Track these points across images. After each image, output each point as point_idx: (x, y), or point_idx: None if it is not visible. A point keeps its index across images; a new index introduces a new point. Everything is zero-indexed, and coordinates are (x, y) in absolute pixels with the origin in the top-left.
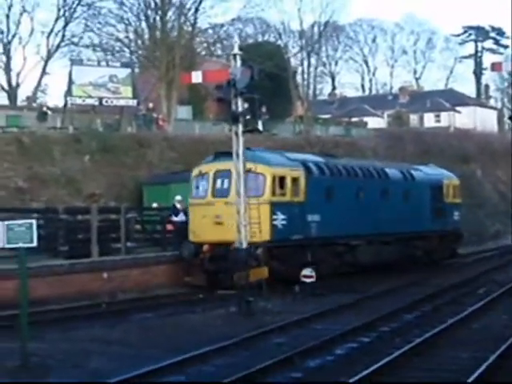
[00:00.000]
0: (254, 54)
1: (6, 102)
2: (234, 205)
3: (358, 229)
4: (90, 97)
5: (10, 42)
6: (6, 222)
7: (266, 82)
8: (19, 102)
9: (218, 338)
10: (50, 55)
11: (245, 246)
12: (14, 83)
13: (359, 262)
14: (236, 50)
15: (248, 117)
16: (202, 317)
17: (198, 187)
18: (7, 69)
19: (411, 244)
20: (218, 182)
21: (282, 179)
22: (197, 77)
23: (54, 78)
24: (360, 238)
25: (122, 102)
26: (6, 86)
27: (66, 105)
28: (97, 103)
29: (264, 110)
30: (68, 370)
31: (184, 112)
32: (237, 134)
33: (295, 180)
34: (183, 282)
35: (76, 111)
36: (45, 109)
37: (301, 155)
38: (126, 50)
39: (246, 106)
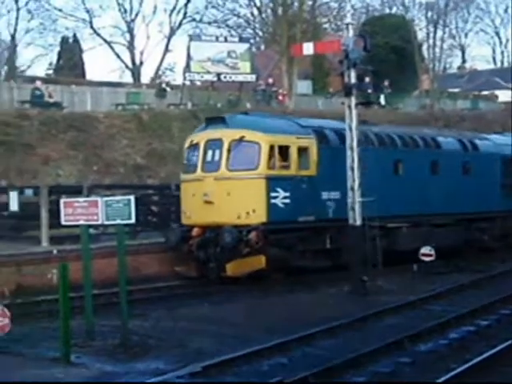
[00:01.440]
0: (378, 27)
1: (130, 79)
2: (225, 180)
3: (396, 208)
4: (208, 73)
5: (133, 21)
6: (105, 199)
7: (391, 55)
8: (146, 80)
9: (327, 318)
10: (172, 32)
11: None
12: (137, 61)
13: (399, 247)
14: (348, 20)
15: (370, 90)
16: (313, 297)
17: (189, 160)
18: (131, 47)
19: (474, 226)
20: (209, 153)
21: (283, 149)
22: (308, 48)
23: (177, 55)
24: (399, 219)
25: (240, 78)
26: (129, 64)
27: (184, 81)
28: (215, 79)
29: (387, 83)
30: (169, 350)
31: (304, 87)
32: (350, 107)
33: (303, 150)
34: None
35: (195, 88)
36: (164, 85)
37: (319, 121)
38: (247, 25)
39: (368, 79)
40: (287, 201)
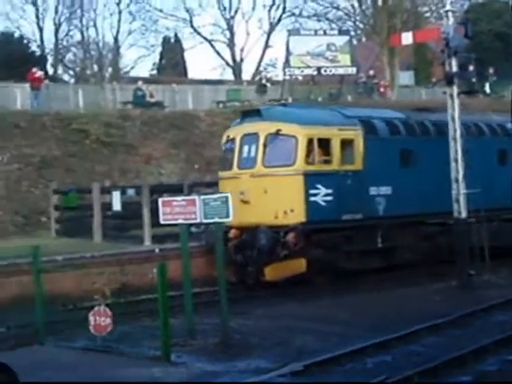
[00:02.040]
0: (481, 13)
1: (231, 77)
2: (261, 178)
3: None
4: (308, 67)
5: (232, 18)
6: (203, 197)
7: (496, 42)
8: (247, 77)
9: (431, 314)
10: (272, 28)
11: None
12: (237, 58)
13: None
14: (448, 7)
15: (473, 79)
16: (418, 291)
17: (226, 156)
18: (231, 44)
19: None
20: (245, 149)
21: (324, 142)
22: (407, 38)
23: (277, 51)
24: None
25: (340, 71)
26: (230, 62)
27: (284, 76)
28: (315, 73)
29: (492, 71)
30: (270, 348)
31: (406, 78)
32: (452, 96)
33: (347, 142)
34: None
35: (296, 82)
36: (264, 81)
37: (367, 111)
38: (347, 18)
39: (471, 67)
40: (329, 198)
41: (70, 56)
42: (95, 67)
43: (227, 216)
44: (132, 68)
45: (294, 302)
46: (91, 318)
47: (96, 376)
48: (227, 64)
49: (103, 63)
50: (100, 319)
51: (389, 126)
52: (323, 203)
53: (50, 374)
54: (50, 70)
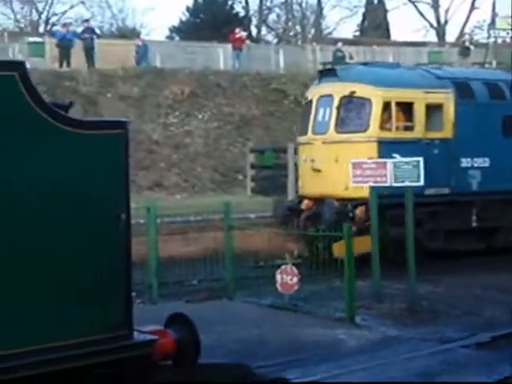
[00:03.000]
0: None
1: (434, 39)
2: (333, 145)
3: None
4: None
5: None
6: (393, 160)
7: None
8: (451, 39)
9: None
10: None
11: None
12: (442, 20)
13: None
14: None
15: None
16: None
17: (303, 119)
18: (435, 5)
19: None
20: (320, 112)
21: (404, 106)
22: None
23: (484, 13)
24: None
25: None
26: (434, 23)
27: (489, 39)
28: None
29: None
30: (458, 317)
31: None
32: None
33: (435, 107)
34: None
35: (502, 45)
36: (467, 44)
37: (467, 71)
38: None
39: None
40: None
41: (273, 17)
42: (298, 28)
43: (418, 180)
44: (334, 29)
45: (484, 272)
46: (278, 276)
47: (279, 334)
48: (431, 25)
49: (306, 24)
50: (287, 278)
51: (488, 88)
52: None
53: (234, 328)
54: (254, 31)
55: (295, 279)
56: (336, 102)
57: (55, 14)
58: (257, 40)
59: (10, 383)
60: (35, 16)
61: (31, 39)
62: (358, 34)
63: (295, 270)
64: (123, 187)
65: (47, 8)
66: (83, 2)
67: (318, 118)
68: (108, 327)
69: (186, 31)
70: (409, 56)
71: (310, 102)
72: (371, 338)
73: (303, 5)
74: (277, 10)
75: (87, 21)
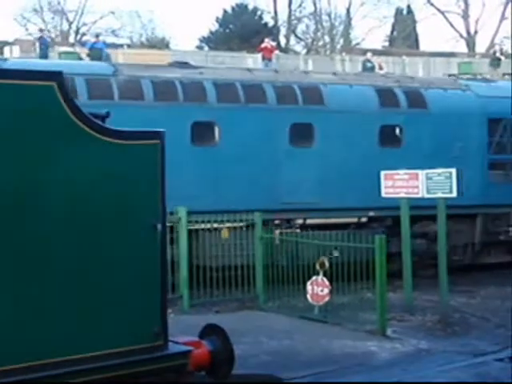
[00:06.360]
0: None
1: (464, 49)
2: None
3: None
4: None
5: None
6: (426, 171)
7: None
8: (481, 49)
9: None
10: None
11: None
12: (471, 30)
13: None
14: None
15: None
16: None
17: None
18: (465, 15)
19: None
20: None
21: None
22: None
23: None
24: None
25: None
26: (464, 34)
27: None
28: None
29: None
30: (491, 330)
31: None
32: None
33: None
34: None
35: None
36: (498, 54)
37: None
38: None
39: None
40: None
41: (302, 27)
42: (326, 38)
43: (451, 191)
44: (363, 40)
45: None
46: (309, 287)
47: (310, 346)
48: (461, 36)
49: (334, 34)
50: (318, 289)
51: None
52: None
53: (265, 339)
54: (283, 41)
55: (326, 290)
56: None
57: (85, 24)
58: (286, 50)
59: None
60: (65, 26)
61: (62, 49)
62: (387, 44)
63: (326, 282)
64: (159, 197)
65: (77, 18)
66: (113, 12)
67: None
68: (144, 338)
69: (216, 41)
70: (438, 66)
71: None
72: (403, 350)
73: (332, 15)
74: (306, 20)
75: (97, 36)
